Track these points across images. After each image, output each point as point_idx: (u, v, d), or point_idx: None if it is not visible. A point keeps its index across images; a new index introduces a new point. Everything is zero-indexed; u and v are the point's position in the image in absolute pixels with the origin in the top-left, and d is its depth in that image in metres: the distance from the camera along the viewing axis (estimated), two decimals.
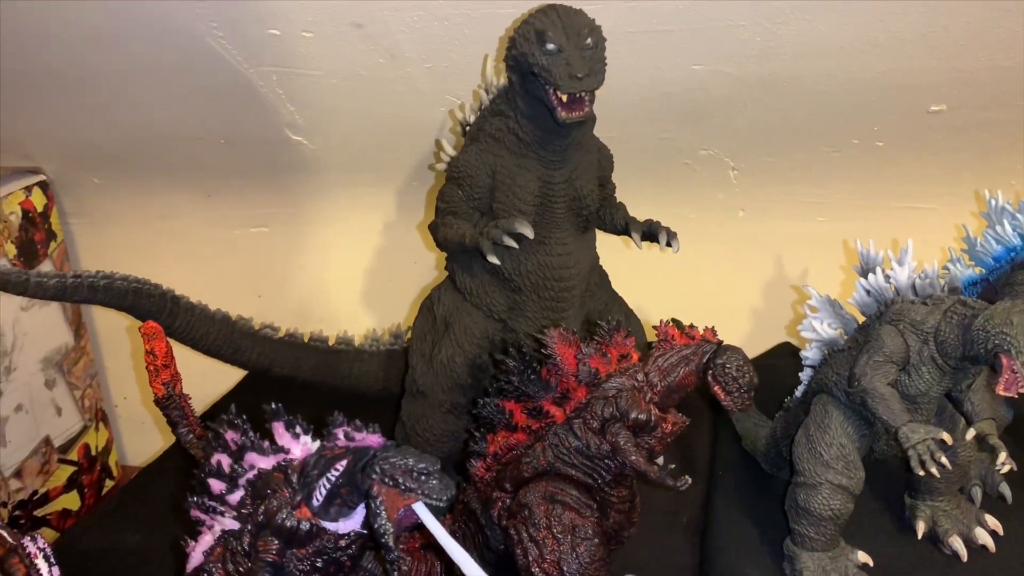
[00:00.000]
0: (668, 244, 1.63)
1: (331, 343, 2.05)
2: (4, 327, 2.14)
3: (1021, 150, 1.99)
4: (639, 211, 1.76)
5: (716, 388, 1.34)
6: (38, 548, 1.37)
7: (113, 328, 2.59)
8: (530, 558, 1.33)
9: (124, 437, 2.71)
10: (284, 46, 1.93)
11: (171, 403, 1.55)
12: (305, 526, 1.12)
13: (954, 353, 1.35)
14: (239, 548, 1.16)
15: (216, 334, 1.88)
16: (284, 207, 2.39)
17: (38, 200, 2.29)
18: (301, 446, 1.17)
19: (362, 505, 1.11)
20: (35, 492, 2.24)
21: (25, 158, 2.34)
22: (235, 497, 1.17)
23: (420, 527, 1.10)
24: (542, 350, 1.37)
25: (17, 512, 2.17)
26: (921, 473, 1.30)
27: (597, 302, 1.76)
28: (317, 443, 1.17)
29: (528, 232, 1.52)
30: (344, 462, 1.09)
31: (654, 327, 1.41)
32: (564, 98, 1.43)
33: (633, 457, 1.31)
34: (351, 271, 2.45)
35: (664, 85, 1.94)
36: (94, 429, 2.49)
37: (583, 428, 1.36)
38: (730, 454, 1.83)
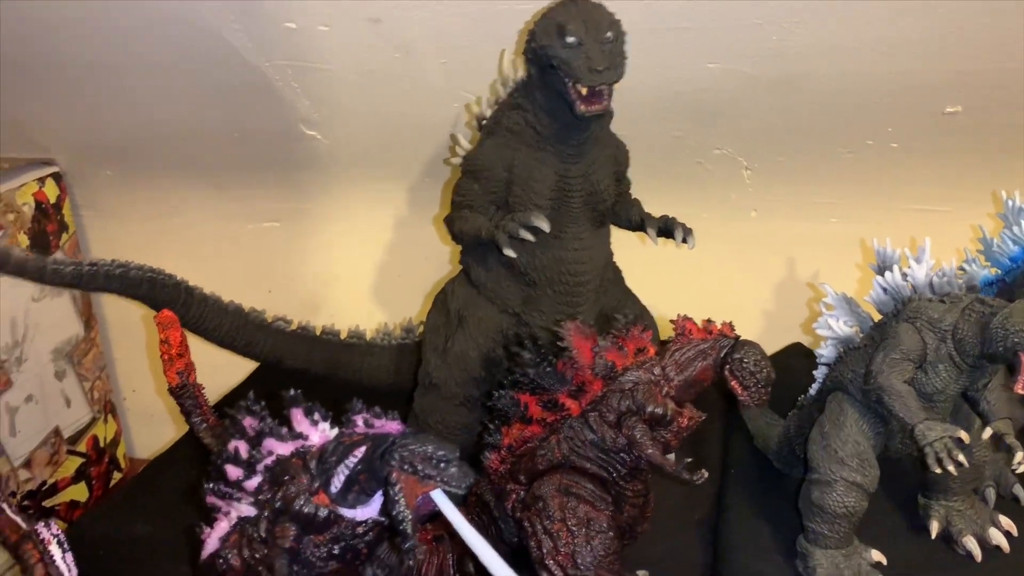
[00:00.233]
0: (684, 240, 1.63)
1: (342, 337, 2.05)
2: (16, 317, 2.15)
3: None
4: (649, 209, 1.76)
5: (733, 383, 1.33)
6: (52, 534, 1.37)
7: (123, 321, 2.59)
8: (544, 550, 1.33)
9: (132, 430, 2.71)
10: (300, 40, 1.93)
11: (185, 392, 1.55)
12: (323, 513, 1.11)
13: (972, 351, 1.35)
14: (256, 534, 1.15)
15: (229, 325, 1.88)
16: (295, 202, 2.39)
17: (51, 191, 2.30)
18: (319, 433, 1.16)
19: (380, 492, 1.10)
20: (43, 483, 2.25)
21: (39, 149, 2.34)
22: (252, 483, 1.16)
23: (435, 516, 1.09)
24: (558, 342, 1.37)
25: (26, 502, 2.18)
26: (938, 471, 1.29)
27: (611, 299, 1.76)
28: (335, 430, 1.17)
29: (545, 226, 1.52)
30: (363, 449, 1.08)
31: (671, 321, 1.41)
32: (583, 91, 1.44)
33: (650, 451, 1.31)
34: (361, 266, 2.45)
35: (678, 83, 1.94)
36: (103, 421, 2.50)
37: (599, 421, 1.36)
38: (742, 453, 1.82)
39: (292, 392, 1.18)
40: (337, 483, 1.10)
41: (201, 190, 2.42)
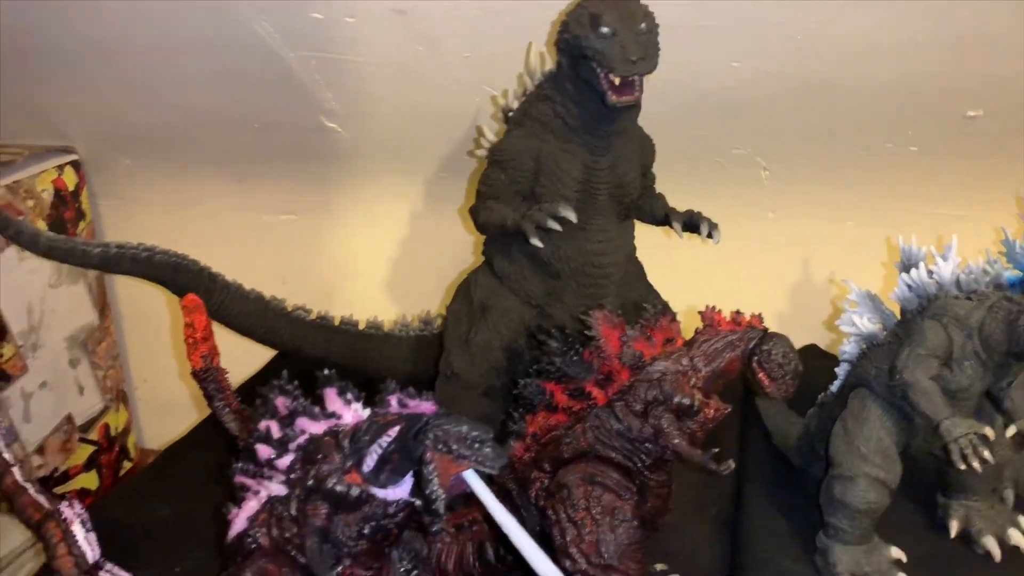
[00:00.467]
0: (709, 235, 1.64)
1: (361, 327, 2.05)
2: (32, 302, 2.15)
3: None
4: None
5: (761, 374, 1.34)
6: (75, 514, 1.37)
7: (136, 311, 2.60)
8: (568, 538, 1.33)
9: (143, 420, 2.71)
10: (325, 31, 1.94)
11: (208, 376, 1.55)
12: (355, 492, 1.11)
13: (999, 348, 1.36)
14: (286, 513, 1.16)
15: (250, 313, 1.88)
16: (314, 194, 2.40)
17: (70, 179, 2.30)
18: (352, 412, 1.17)
19: (411, 474, 1.10)
20: (55, 469, 2.24)
21: (59, 137, 2.35)
22: (285, 462, 1.16)
23: (467, 498, 1.09)
24: (586, 331, 1.37)
25: None
26: (963, 467, 1.30)
27: (634, 293, 1.76)
28: (367, 410, 1.17)
29: (572, 216, 1.53)
30: (396, 428, 1.09)
31: (699, 312, 1.41)
32: (616, 81, 1.44)
33: (676, 440, 1.31)
34: (378, 260, 2.45)
35: (701, 81, 1.95)
36: (115, 410, 2.49)
37: (625, 411, 1.36)
38: (760, 450, 1.82)
39: (326, 371, 1.18)
40: (370, 462, 1.10)
41: (219, 181, 2.42)
